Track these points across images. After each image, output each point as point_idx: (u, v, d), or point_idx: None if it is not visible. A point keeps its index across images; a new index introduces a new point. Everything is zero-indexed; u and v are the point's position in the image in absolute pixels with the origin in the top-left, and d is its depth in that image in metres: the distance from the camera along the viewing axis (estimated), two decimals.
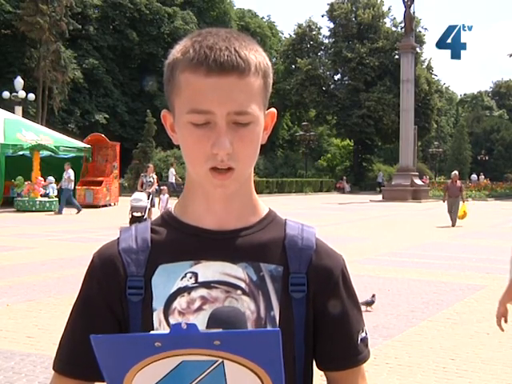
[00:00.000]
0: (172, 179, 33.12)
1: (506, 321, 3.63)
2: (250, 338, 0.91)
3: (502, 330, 3.63)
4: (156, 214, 17.49)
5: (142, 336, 0.96)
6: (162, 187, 19.26)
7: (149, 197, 17.96)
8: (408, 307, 7.67)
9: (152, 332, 1.06)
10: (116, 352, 0.92)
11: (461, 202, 19.14)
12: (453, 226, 19.02)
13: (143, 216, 17.21)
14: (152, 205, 18.20)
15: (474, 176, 58.81)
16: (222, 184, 1.07)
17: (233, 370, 0.91)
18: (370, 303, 7.46)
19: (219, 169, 1.05)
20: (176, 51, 1.08)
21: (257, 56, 1.07)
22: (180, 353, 0.91)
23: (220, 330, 0.96)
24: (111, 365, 0.93)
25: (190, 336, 0.89)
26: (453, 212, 19.21)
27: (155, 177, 18.86)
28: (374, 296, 7.55)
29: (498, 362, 5.45)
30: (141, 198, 17.76)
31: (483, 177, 58.20)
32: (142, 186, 18.50)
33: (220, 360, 0.91)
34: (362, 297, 7.06)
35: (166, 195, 18.38)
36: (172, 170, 33.75)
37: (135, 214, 17.39)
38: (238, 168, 1.06)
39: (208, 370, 0.92)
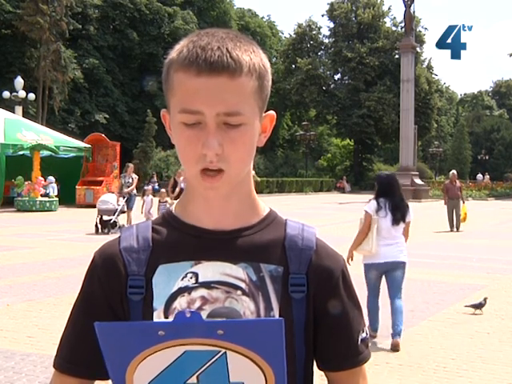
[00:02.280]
0: None
1: (349, 263, 5.63)
2: (253, 327, 0.91)
3: (349, 264, 5.34)
4: (139, 217, 16.26)
5: (146, 324, 0.97)
6: (145, 188, 17.95)
7: (124, 198, 16.84)
8: (408, 307, 7.66)
9: (156, 320, 1.07)
10: (119, 340, 0.92)
11: (461, 204, 17.98)
12: (456, 230, 17.73)
13: (111, 220, 16.22)
14: (130, 207, 16.99)
15: (479, 176, 58.55)
16: (212, 187, 1.06)
17: (235, 361, 0.92)
18: (477, 306, 7.29)
19: (209, 170, 1.05)
20: (173, 51, 1.09)
21: (252, 57, 1.06)
22: (183, 342, 0.91)
23: (224, 319, 0.96)
24: (114, 354, 0.93)
25: (194, 325, 0.89)
26: (455, 214, 17.91)
27: (135, 177, 17.75)
28: (485, 299, 7.34)
29: (498, 362, 5.45)
30: (108, 200, 16.67)
31: (488, 177, 58.10)
32: (121, 188, 17.53)
33: (223, 350, 0.91)
34: (361, 297, 7.07)
35: (150, 196, 16.94)
36: None
37: (105, 217, 16.31)
38: (228, 170, 1.05)
39: (211, 361, 0.92)
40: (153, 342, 0.91)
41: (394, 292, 6.07)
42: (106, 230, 16.07)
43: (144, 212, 16.60)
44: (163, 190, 17.16)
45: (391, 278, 6.09)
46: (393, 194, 6.08)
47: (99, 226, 16.28)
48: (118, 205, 16.57)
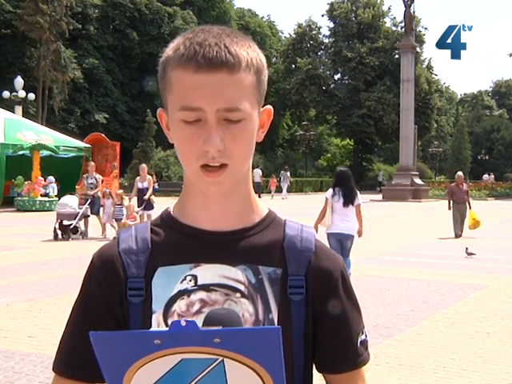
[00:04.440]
0: (258, 179, 36.80)
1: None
2: (250, 335, 0.91)
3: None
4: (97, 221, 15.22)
5: (142, 333, 0.96)
6: (107, 190, 16.27)
7: (86, 201, 15.31)
8: (408, 307, 7.67)
9: (152, 329, 1.06)
10: (115, 349, 0.91)
11: (467, 209, 16.27)
12: (459, 236, 16.07)
13: (71, 225, 14.71)
14: (95, 211, 15.47)
15: (485, 176, 58.42)
16: (215, 181, 1.05)
17: (233, 369, 0.91)
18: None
19: (211, 166, 1.04)
20: (169, 49, 1.09)
21: (249, 52, 1.06)
22: (180, 350, 0.90)
23: (220, 327, 0.95)
24: (111, 363, 0.92)
25: (190, 333, 0.89)
26: (461, 221, 16.33)
27: (99, 177, 16.10)
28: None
29: (498, 362, 5.44)
30: (68, 203, 15.05)
31: (493, 176, 58.21)
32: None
33: (220, 358, 0.90)
34: (361, 297, 7.05)
35: (110, 200, 15.16)
36: (258, 171, 37.40)
37: (65, 222, 14.75)
38: (231, 164, 1.05)
39: (208, 368, 0.91)
40: (149, 350, 0.90)
41: (344, 257, 7.97)
42: (66, 236, 14.67)
43: (103, 217, 15.25)
44: (119, 191, 15.80)
45: (343, 245, 8.35)
46: (345, 185, 8.34)
47: (58, 231, 14.73)
48: (80, 208, 15.08)
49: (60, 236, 14.74)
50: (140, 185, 15.21)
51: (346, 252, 8.38)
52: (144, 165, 16.18)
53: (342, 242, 8.35)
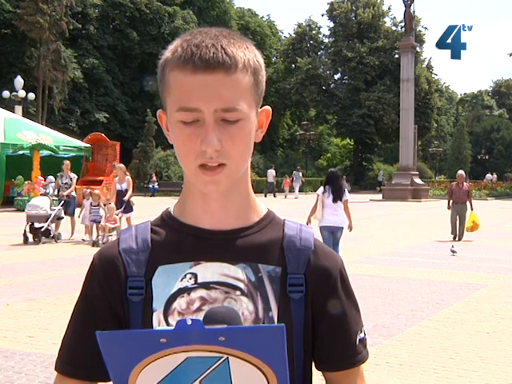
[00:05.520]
0: (271, 179, 37.90)
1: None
2: (254, 333, 0.91)
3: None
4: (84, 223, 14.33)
5: (148, 332, 0.97)
6: (88, 191, 15.22)
7: (60, 202, 14.52)
8: (408, 306, 7.67)
9: (155, 321, 1.08)
10: (121, 348, 0.92)
11: (469, 210, 15.47)
12: (459, 239, 15.27)
13: (42, 228, 13.72)
14: (70, 213, 14.64)
15: (488, 175, 58.31)
16: (213, 180, 1.06)
17: (238, 366, 0.92)
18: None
19: (209, 165, 1.05)
20: (167, 51, 1.10)
21: (246, 53, 1.07)
22: (185, 349, 0.91)
23: (224, 325, 0.96)
24: (116, 361, 0.94)
25: (195, 332, 0.90)
26: (460, 222, 15.52)
27: (74, 176, 15.14)
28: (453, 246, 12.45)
29: (498, 361, 5.45)
30: (39, 204, 13.99)
31: (496, 176, 58.26)
32: (58, 191, 15.00)
33: (225, 356, 0.91)
34: (361, 297, 7.08)
35: (90, 200, 14.32)
36: (272, 171, 38.36)
37: (36, 224, 13.76)
38: (229, 164, 1.06)
39: (213, 366, 0.93)
40: (154, 349, 0.91)
41: (334, 246, 9.11)
42: (37, 240, 13.68)
43: (81, 218, 14.42)
44: (96, 191, 15.03)
45: (334, 236, 9.31)
46: (334, 183, 9.47)
47: (29, 235, 13.74)
48: (52, 209, 14.16)
49: (31, 239, 13.77)
50: (118, 186, 14.16)
51: (336, 243, 9.28)
52: (122, 165, 15.18)
53: (332, 234, 9.30)
